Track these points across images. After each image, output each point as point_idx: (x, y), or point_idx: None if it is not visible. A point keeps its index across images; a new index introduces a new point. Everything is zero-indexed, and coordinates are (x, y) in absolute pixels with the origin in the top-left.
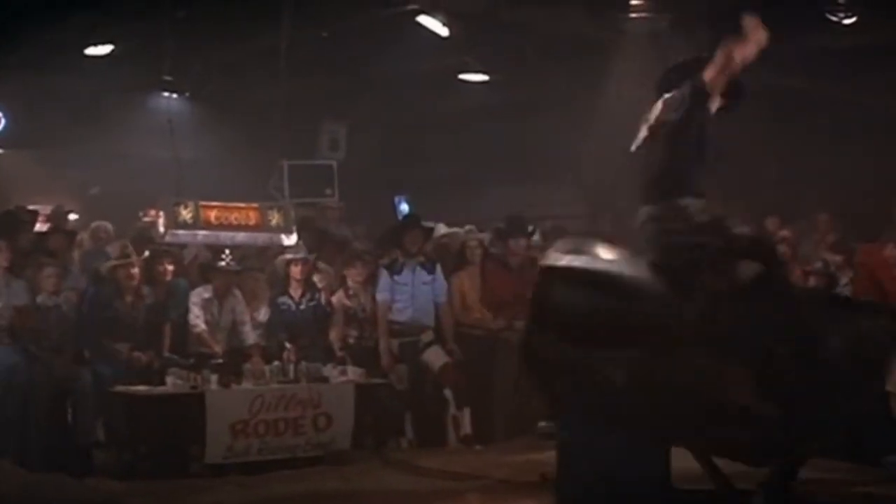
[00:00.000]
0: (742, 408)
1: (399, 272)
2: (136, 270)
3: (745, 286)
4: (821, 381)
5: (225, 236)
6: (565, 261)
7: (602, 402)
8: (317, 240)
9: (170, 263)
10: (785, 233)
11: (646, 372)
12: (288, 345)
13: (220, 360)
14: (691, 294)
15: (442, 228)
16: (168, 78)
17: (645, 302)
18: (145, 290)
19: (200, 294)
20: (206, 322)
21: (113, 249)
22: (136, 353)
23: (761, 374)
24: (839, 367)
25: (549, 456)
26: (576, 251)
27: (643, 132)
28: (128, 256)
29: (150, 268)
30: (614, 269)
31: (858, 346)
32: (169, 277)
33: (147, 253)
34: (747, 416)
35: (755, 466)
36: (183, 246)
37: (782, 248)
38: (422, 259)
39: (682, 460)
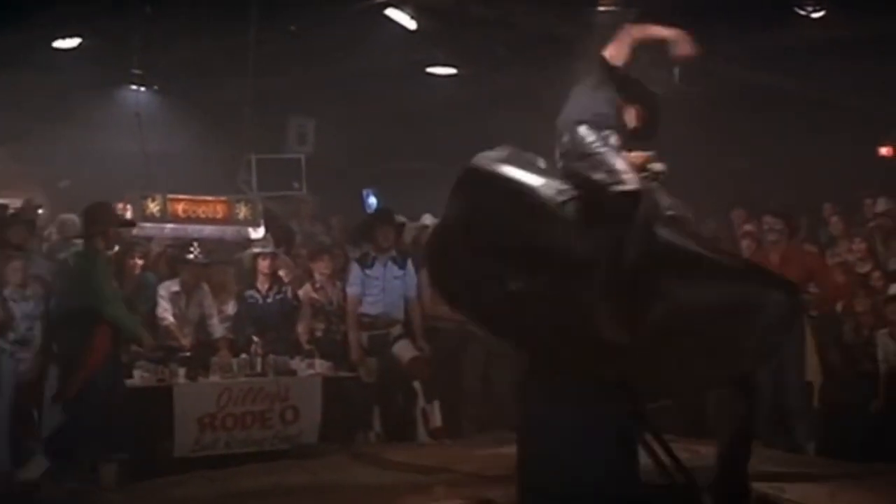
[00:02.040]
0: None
1: (370, 266)
2: None
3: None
4: (695, 335)
5: (193, 229)
6: (492, 166)
7: (485, 310)
8: (283, 233)
9: (139, 257)
10: (749, 227)
11: (531, 290)
12: (255, 338)
13: (188, 354)
14: (591, 229)
15: (425, 219)
16: (137, 71)
17: (551, 225)
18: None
19: (168, 287)
20: (174, 315)
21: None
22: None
23: (631, 312)
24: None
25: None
26: (507, 160)
27: None
28: None
29: (119, 262)
30: (535, 185)
31: (754, 313)
32: (138, 271)
33: (117, 248)
34: (608, 350)
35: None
36: (150, 239)
37: (747, 242)
38: (393, 253)
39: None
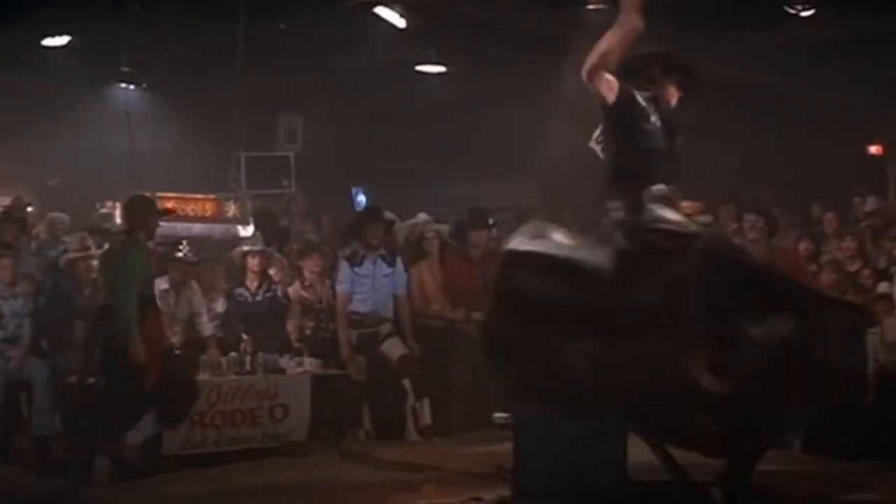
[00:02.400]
0: (698, 392)
1: (360, 264)
2: (95, 263)
3: (699, 274)
4: (780, 372)
5: (182, 227)
6: (528, 245)
7: (560, 390)
8: (272, 231)
9: None
10: (737, 225)
11: (603, 358)
12: (245, 336)
13: (177, 352)
14: (648, 281)
15: (422, 217)
16: (126, 69)
17: (603, 288)
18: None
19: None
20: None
21: (72, 241)
22: None
23: (718, 359)
24: (801, 359)
25: (508, 448)
26: (539, 236)
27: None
28: (87, 249)
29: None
30: (575, 254)
31: (823, 339)
32: None
33: (107, 245)
34: (703, 400)
35: (713, 457)
36: None
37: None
38: (382, 251)
39: (640, 453)
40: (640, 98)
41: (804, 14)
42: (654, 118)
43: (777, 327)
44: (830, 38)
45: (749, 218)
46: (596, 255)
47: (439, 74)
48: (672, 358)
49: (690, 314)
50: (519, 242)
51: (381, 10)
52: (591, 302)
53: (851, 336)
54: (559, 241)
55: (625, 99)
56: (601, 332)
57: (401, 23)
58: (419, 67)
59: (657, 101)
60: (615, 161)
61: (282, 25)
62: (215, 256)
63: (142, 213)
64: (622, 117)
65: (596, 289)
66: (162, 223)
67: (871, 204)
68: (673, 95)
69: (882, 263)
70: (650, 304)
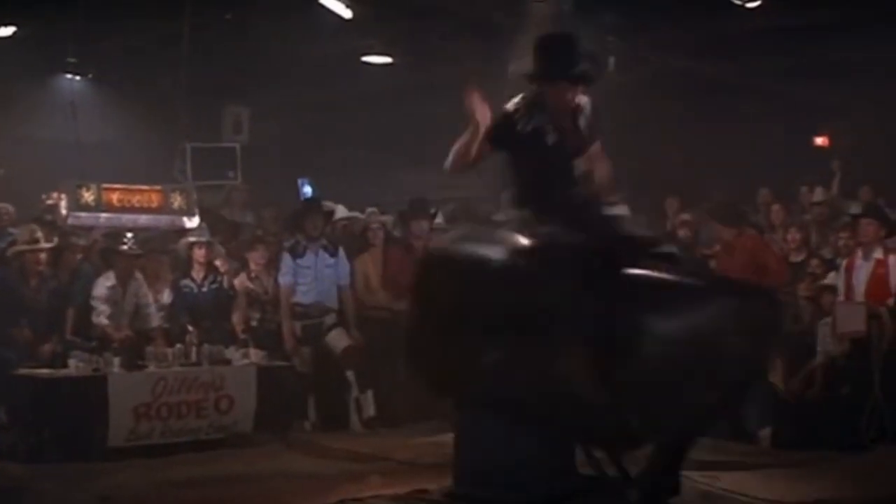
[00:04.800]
0: (582, 396)
1: (302, 255)
2: (43, 255)
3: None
4: (673, 368)
5: (127, 219)
6: (444, 247)
7: (474, 391)
8: (223, 225)
9: (76, 248)
10: (685, 216)
11: (509, 359)
12: (190, 327)
13: (123, 343)
14: (553, 284)
15: (341, 211)
16: (72, 60)
17: (511, 290)
18: (49, 273)
19: (104, 285)
20: (111, 316)
21: (22, 233)
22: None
23: (601, 363)
24: (701, 352)
25: (451, 439)
26: (461, 238)
27: None
28: (36, 241)
29: (57, 252)
30: (489, 255)
31: (726, 330)
32: (76, 261)
33: (56, 240)
34: (592, 404)
35: (617, 454)
36: (90, 228)
37: (683, 232)
38: (324, 242)
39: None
40: (519, 120)
41: (750, 5)
42: (534, 128)
43: (675, 322)
44: (776, 29)
45: None
46: (505, 258)
47: (385, 65)
48: (559, 363)
49: (583, 316)
50: (436, 245)
51: (327, 1)
52: (498, 303)
53: (757, 324)
54: (479, 241)
55: (502, 130)
56: (508, 334)
57: (346, 13)
58: (365, 58)
59: (544, 106)
60: (510, 176)
61: (227, 16)
62: (161, 248)
63: None
64: (503, 145)
65: (502, 290)
66: (107, 215)
67: (818, 195)
68: (566, 94)
69: (828, 254)
70: (548, 307)
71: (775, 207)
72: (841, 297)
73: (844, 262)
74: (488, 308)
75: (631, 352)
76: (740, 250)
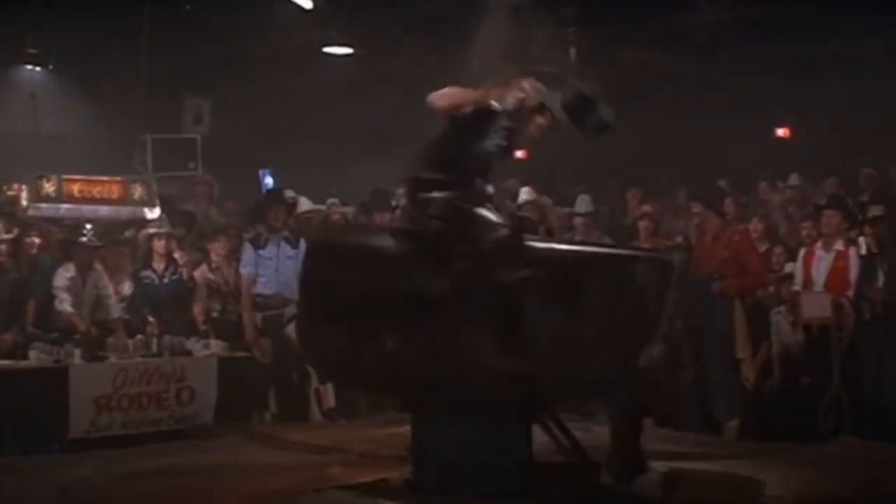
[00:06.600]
0: (491, 368)
1: (263, 246)
2: (3, 247)
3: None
4: (574, 337)
5: (88, 210)
6: (329, 238)
7: (370, 376)
8: (182, 217)
9: (37, 238)
10: (647, 208)
11: (409, 341)
12: (151, 318)
13: (84, 334)
14: (445, 266)
15: (305, 203)
16: (31, 51)
17: (400, 274)
18: (10, 264)
19: (64, 275)
20: (73, 305)
21: None
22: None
23: (505, 336)
24: (598, 321)
25: (410, 430)
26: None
27: None
28: None
29: (17, 244)
30: (374, 243)
31: (620, 298)
32: (35, 252)
33: (16, 231)
34: (497, 376)
35: (520, 424)
36: (50, 219)
37: (644, 223)
38: (286, 234)
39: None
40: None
41: None
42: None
43: (575, 295)
44: (738, 22)
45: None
46: (394, 242)
47: (345, 56)
48: (463, 339)
49: (482, 297)
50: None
51: None
52: (389, 289)
53: (659, 292)
54: (363, 231)
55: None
56: (401, 318)
57: (307, 4)
58: (326, 49)
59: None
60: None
61: (187, 7)
62: (121, 239)
63: None
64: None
65: (391, 276)
66: (68, 206)
67: (793, 180)
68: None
69: (793, 242)
70: (441, 290)
71: (728, 200)
72: (798, 287)
73: (803, 252)
74: (382, 294)
75: (534, 322)
76: (725, 244)
